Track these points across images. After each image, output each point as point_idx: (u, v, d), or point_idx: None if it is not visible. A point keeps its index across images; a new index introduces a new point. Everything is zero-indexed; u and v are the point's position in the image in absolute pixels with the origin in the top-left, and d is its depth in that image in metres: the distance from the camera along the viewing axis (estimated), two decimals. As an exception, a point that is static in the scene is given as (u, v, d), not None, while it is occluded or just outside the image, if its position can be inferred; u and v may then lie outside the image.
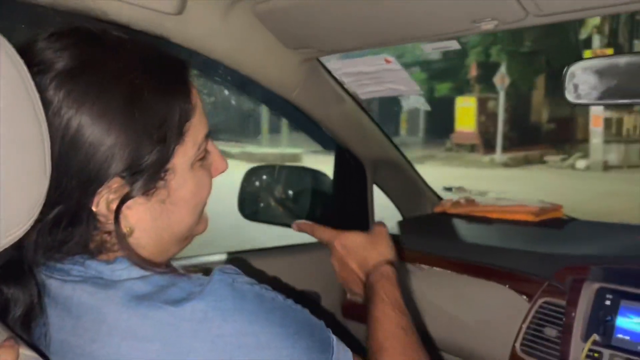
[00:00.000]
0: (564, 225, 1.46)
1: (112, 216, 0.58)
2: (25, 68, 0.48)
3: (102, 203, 0.57)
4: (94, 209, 0.57)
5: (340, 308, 1.49)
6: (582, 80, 0.82)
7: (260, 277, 0.66)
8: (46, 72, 0.54)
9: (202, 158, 0.64)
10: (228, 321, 0.54)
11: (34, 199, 0.49)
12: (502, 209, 1.52)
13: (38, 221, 0.50)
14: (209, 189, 0.66)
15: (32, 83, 0.48)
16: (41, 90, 0.50)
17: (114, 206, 0.57)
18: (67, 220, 0.56)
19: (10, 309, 0.56)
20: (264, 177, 1.71)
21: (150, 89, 0.58)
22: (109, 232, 0.59)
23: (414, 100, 1.40)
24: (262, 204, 1.68)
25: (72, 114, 0.54)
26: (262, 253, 1.45)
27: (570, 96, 0.84)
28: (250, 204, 1.66)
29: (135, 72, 0.57)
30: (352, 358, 0.64)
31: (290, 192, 1.66)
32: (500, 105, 13.15)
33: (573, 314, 1.04)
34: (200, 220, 0.67)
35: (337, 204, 1.58)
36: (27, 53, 0.50)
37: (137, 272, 0.58)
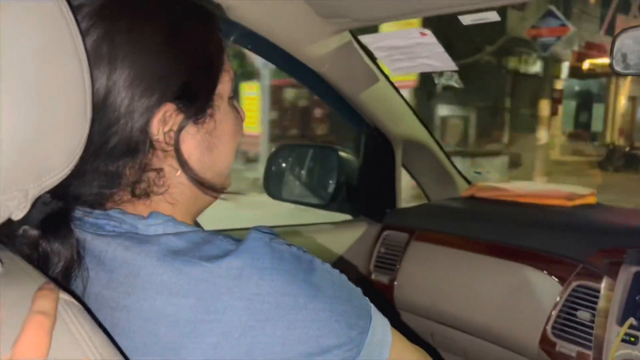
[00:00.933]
0: (598, 210, 1.42)
1: (169, 146, 0.57)
2: (69, 9, 0.47)
3: (158, 131, 0.56)
4: (153, 136, 0.56)
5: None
6: (631, 50, 0.78)
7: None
8: (87, 7, 0.53)
9: (232, 98, 0.65)
10: (265, 280, 0.53)
11: (75, 140, 0.48)
12: (534, 194, 1.48)
13: (92, 155, 0.50)
14: (242, 130, 0.67)
15: (73, 19, 0.47)
16: (82, 26, 0.49)
17: (170, 135, 0.57)
18: (124, 150, 0.56)
19: (51, 263, 0.55)
20: (290, 156, 1.69)
21: (190, 17, 0.59)
22: (159, 170, 0.58)
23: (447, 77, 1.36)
24: (287, 183, 1.67)
25: (120, 46, 0.54)
26: (283, 230, 1.43)
27: (618, 66, 0.80)
28: (276, 183, 1.64)
29: (175, 3, 0.58)
30: (389, 327, 0.62)
31: (316, 172, 1.65)
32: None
33: (609, 298, 1.00)
34: (229, 172, 0.67)
35: (364, 184, 1.56)
36: None
37: (172, 227, 0.57)
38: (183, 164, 0.58)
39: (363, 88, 1.31)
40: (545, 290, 1.12)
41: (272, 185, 1.63)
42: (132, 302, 0.53)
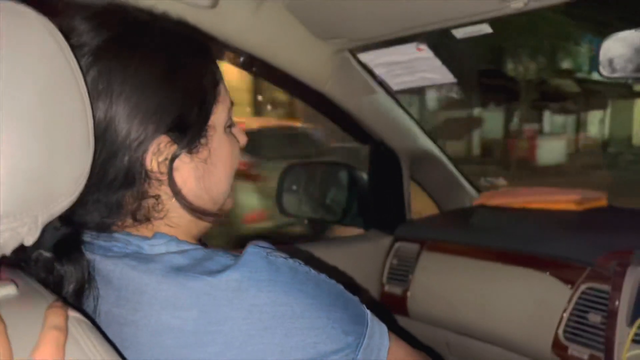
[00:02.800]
0: (608, 213, 1.42)
1: (164, 175, 0.61)
2: (66, 44, 0.51)
3: (154, 162, 0.60)
4: (147, 166, 0.60)
5: (379, 299, 1.49)
6: (617, 54, 0.80)
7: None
8: (86, 47, 0.57)
9: (230, 126, 0.68)
10: (263, 291, 0.56)
11: (79, 169, 0.51)
12: (543, 199, 1.49)
13: (94, 187, 0.53)
14: (238, 156, 0.69)
15: (74, 58, 0.51)
16: (82, 65, 0.54)
17: (164, 165, 0.60)
18: (122, 181, 0.59)
19: (64, 285, 0.58)
20: (300, 173, 1.73)
21: (187, 53, 0.63)
22: (157, 197, 0.62)
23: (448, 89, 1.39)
24: (298, 200, 1.70)
25: (117, 82, 0.58)
26: (298, 247, 1.46)
27: (605, 71, 0.82)
28: (287, 200, 1.68)
29: (172, 39, 0.62)
30: (387, 332, 0.64)
31: (327, 187, 1.68)
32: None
33: (618, 299, 1.01)
34: (230, 194, 0.70)
35: (374, 198, 1.58)
36: (65, 31, 0.53)
37: (175, 246, 0.60)
38: (176, 192, 0.62)
39: (365, 104, 1.35)
40: (556, 294, 1.13)
41: (284, 202, 1.66)
42: (139, 317, 0.56)
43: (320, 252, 1.45)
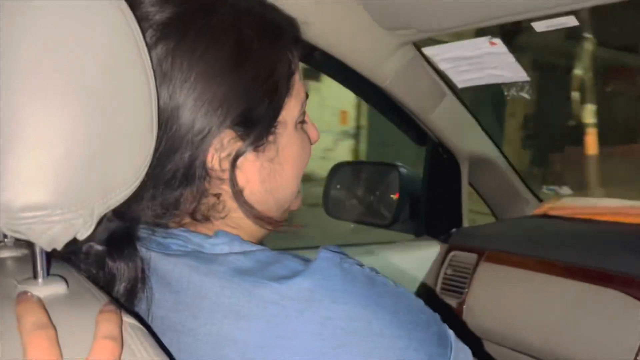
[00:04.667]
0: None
1: (225, 173, 0.54)
2: (135, 21, 0.45)
3: (215, 159, 0.54)
4: (208, 163, 0.53)
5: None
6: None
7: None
8: (150, 21, 0.51)
9: (302, 122, 0.61)
10: (337, 303, 0.48)
11: (141, 157, 0.45)
12: (614, 210, 1.38)
13: (150, 182, 0.48)
14: (309, 154, 0.63)
15: (140, 32, 0.45)
16: (148, 43, 0.47)
17: (227, 162, 0.54)
18: (180, 179, 0.53)
19: (115, 283, 0.53)
20: (349, 174, 1.65)
21: (260, 37, 0.55)
22: (218, 195, 0.56)
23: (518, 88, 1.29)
24: (347, 202, 1.63)
25: (182, 66, 0.51)
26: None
27: None
28: (335, 202, 1.60)
29: (244, 20, 0.55)
30: (471, 357, 0.56)
31: (377, 189, 1.60)
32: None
33: None
34: (298, 194, 0.63)
35: (428, 202, 1.49)
36: (131, 6, 0.47)
37: (238, 246, 0.53)
38: (236, 193, 0.55)
39: (428, 102, 1.26)
40: (634, 316, 1.02)
41: (332, 205, 1.59)
42: (198, 325, 0.49)
43: (366, 257, 1.38)
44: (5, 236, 0.57)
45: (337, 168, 1.66)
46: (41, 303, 0.42)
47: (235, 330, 0.48)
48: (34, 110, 0.39)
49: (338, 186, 1.62)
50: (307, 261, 0.51)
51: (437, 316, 0.56)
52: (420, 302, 0.56)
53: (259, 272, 0.50)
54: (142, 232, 0.55)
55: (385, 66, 1.14)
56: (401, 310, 0.52)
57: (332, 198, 1.60)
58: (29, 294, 0.43)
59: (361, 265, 0.54)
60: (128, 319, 0.44)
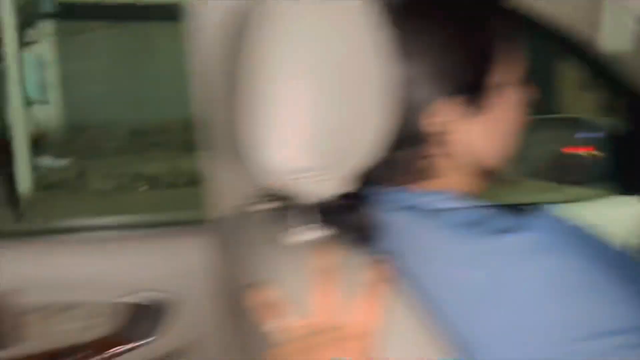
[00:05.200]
0: None
1: (448, 135, 0.60)
2: (372, 4, 0.52)
3: (439, 122, 0.59)
4: (433, 127, 0.59)
5: None
6: None
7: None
8: (384, 6, 0.58)
9: (519, 83, 0.64)
10: (560, 256, 0.52)
11: (383, 126, 0.53)
12: None
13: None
14: (524, 115, 0.65)
15: (379, 19, 0.52)
16: (384, 19, 0.54)
17: (450, 126, 0.59)
18: (406, 142, 0.60)
19: (353, 232, 0.62)
20: (538, 130, 1.60)
21: (484, 9, 0.60)
22: (440, 157, 0.61)
23: None
24: (536, 160, 1.58)
25: (414, 43, 0.57)
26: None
27: None
28: (525, 160, 1.57)
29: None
30: None
31: (564, 145, 1.52)
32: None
33: None
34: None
35: (626, 158, 1.39)
36: None
37: (460, 202, 0.59)
38: (460, 155, 0.60)
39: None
40: None
41: (522, 163, 1.55)
42: (423, 272, 0.56)
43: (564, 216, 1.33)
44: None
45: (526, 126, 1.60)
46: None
47: (456, 277, 0.54)
48: (296, 94, 0.49)
49: (526, 144, 1.57)
50: (526, 217, 0.55)
51: None
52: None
53: (482, 224, 0.55)
54: (372, 191, 0.63)
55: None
56: (622, 266, 0.54)
57: (522, 157, 1.56)
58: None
59: (579, 224, 0.56)
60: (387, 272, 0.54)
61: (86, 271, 0.83)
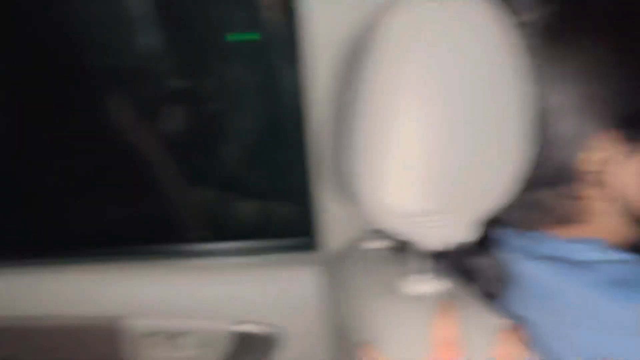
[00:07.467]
0: None
1: (600, 175, 0.51)
2: (511, 27, 0.45)
3: (591, 160, 0.51)
4: (582, 165, 0.51)
5: None
6: None
7: None
8: (533, 26, 0.51)
9: None
10: None
11: (517, 165, 0.46)
12: None
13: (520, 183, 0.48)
14: None
15: (517, 43, 0.44)
16: (529, 46, 0.48)
17: (603, 164, 0.51)
18: (550, 180, 0.52)
19: (472, 282, 0.55)
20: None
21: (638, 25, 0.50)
22: (587, 198, 0.53)
23: None
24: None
25: (560, 65, 0.49)
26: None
27: None
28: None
29: (621, 9, 0.50)
30: None
31: None
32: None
33: None
34: None
35: None
36: (513, 6, 0.47)
37: (610, 254, 0.50)
38: (616, 198, 0.51)
39: None
40: None
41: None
42: (567, 334, 0.48)
43: None
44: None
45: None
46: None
47: (614, 346, 0.45)
48: (417, 124, 0.42)
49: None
50: None
51: None
52: None
53: (636, 284, 0.46)
54: (505, 233, 0.55)
55: None
56: None
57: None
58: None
59: None
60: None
61: (197, 297, 0.82)
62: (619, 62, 0.49)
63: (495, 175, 0.44)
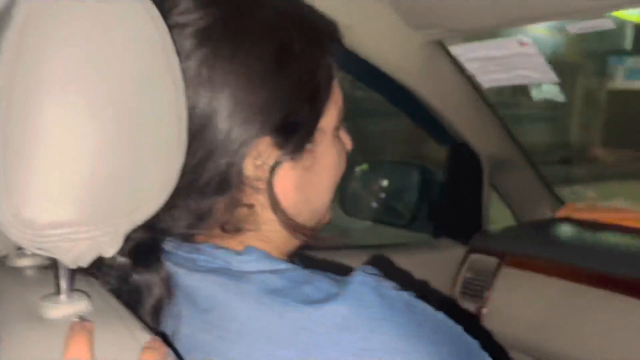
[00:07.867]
0: None
1: (261, 182, 0.52)
2: (165, 27, 0.42)
3: (252, 167, 0.51)
4: (244, 172, 0.51)
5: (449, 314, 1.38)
6: None
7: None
8: (190, 27, 0.49)
9: (338, 128, 0.58)
10: (375, 333, 0.45)
11: (169, 173, 0.43)
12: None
13: (182, 191, 0.46)
14: (344, 163, 0.60)
15: (172, 43, 0.42)
16: (184, 48, 0.46)
17: (263, 171, 0.51)
18: (214, 187, 0.51)
19: (140, 298, 0.51)
20: (369, 172, 1.63)
21: (301, 40, 0.53)
22: (251, 206, 0.53)
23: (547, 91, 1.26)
24: (365, 201, 1.60)
25: (221, 71, 0.49)
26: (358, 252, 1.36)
27: None
28: (353, 201, 1.58)
29: (285, 23, 0.53)
30: None
31: (396, 189, 1.57)
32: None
33: None
34: (328, 207, 0.60)
35: (448, 203, 1.46)
36: (167, 7, 0.44)
37: (268, 264, 0.51)
38: (274, 204, 0.53)
39: (451, 101, 1.23)
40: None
41: (349, 203, 1.56)
42: (227, 348, 0.47)
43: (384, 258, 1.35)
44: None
45: (357, 166, 1.63)
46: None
47: (264, 357, 0.46)
48: (60, 126, 0.37)
49: (356, 185, 1.59)
50: (340, 282, 0.48)
51: (476, 344, 0.53)
52: (460, 329, 0.52)
53: (290, 292, 0.47)
54: (168, 245, 0.53)
55: (409, 64, 1.11)
56: (441, 341, 0.49)
57: (350, 197, 1.58)
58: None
59: (399, 289, 0.51)
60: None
61: None
62: (274, 72, 0.51)
63: (144, 182, 0.41)
